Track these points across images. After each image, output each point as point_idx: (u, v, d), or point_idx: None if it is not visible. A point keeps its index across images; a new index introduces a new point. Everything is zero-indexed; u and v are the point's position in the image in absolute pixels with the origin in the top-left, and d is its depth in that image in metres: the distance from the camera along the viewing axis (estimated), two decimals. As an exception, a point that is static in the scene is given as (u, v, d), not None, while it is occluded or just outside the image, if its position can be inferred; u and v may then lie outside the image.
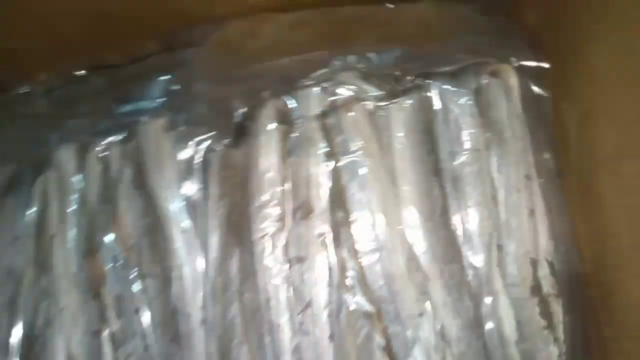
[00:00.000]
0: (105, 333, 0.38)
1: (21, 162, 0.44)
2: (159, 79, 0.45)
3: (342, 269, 0.35)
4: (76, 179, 0.41)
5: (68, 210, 0.41)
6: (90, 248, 0.40)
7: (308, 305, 0.35)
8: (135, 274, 0.39)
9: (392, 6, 0.46)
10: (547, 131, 0.36)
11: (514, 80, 0.36)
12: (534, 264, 0.35)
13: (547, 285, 0.34)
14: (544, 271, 0.35)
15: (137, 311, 0.38)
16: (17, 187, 0.43)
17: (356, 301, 0.35)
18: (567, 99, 0.36)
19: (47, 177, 0.42)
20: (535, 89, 0.36)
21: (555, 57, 0.37)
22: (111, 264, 0.39)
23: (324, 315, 0.35)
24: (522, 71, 0.36)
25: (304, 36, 0.46)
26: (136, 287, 0.38)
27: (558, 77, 0.36)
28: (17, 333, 0.39)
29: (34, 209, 0.42)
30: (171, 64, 0.47)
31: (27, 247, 0.41)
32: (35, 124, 0.46)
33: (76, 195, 0.41)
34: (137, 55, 0.52)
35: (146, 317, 0.38)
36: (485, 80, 0.36)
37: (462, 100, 0.36)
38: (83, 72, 0.53)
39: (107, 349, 0.38)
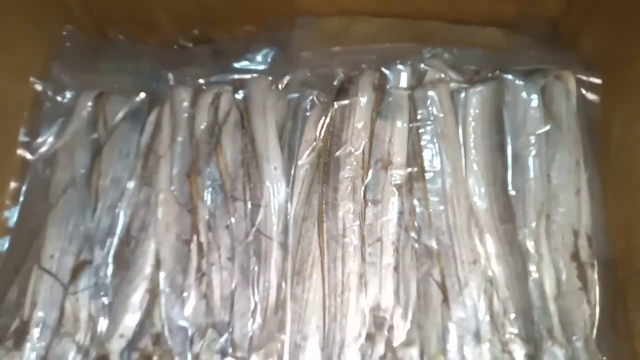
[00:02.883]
0: (194, 243, 0.41)
1: (138, 95, 0.48)
2: (263, 49, 0.50)
3: (412, 213, 0.38)
4: (188, 114, 0.45)
5: (178, 139, 0.44)
6: (192, 171, 0.43)
7: (378, 239, 0.38)
8: (229, 197, 0.41)
9: (464, 27, 0.51)
10: (594, 131, 0.40)
11: (572, 84, 0.40)
12: (576, 234, 0.38)
13: (585, 254, 0.37)
14: (582, 242, 0.38)
15: (227, 227, 0.40)
16: (132, 114, 0.47)
17: (421, 241, 0.37)
18: (613, 106, 0.40)
19: (162, 108, 0.46)
20: (588, 95, 0.41)
21: (605, 73, 0.41)
22: (209, 187, 0.42)
23: (391, 249, 0.37)
24: (578, 82, 0.41)
25: (391, 37, 0.51)
26: (228, 208, 0.41)
27: (607, 88, 0.41)
28: (115, 231, 0.42)
29: (147, 133, 0.45)
30: (273, 40, 0.52)
31: (135, 163, 0.44)
32: (156, 66, 0.50)
33: (186, 127, 0.44)
34: (237, 35, 0.57)
35: (233, 234, 0.40)
36: (549, 81, 0.40)
37: (530, 94, 0.40)
38: (188, 43, 0.58)
39: (193, 256, 0.40)
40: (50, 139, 0.46)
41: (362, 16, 0.53)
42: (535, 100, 0.40)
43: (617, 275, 0.38)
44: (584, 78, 0.41)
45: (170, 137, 0.45)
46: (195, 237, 0.41)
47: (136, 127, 0.46)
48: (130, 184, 0.44)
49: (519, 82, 0.40)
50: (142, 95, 0.47)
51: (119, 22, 0.56)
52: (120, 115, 0.47)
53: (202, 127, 0.45)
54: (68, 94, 0.48)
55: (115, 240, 0.42)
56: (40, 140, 0.46)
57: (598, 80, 0.41)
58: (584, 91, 0.41)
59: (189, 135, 0.45)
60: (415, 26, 0.52)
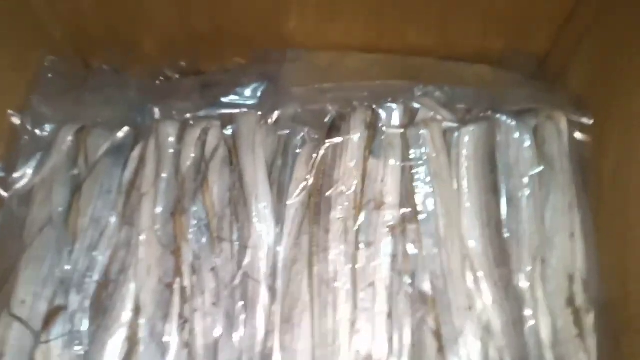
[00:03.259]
0: (177, 286, 0.39)
1: (122, 129, 0.46)
2: (252, 83, 0.49)
3: (405, 256, 0.37)
4: (174, 150, 0.43)
5: (162, 175, 0.42)
6: (177, 210, 0.41)
7: (371, 284, 0.36)
8: (215, 237, 0.40)
9: (454, 63, 0.51)
10: (586, 172, 0.40)
11: (564, 124, 0.40)
12: (571, 279, 0.37)
13: (580, 300, 0.37)
14: (578, 287, 0.37)
15: (212, 269, 0.38)
16: (115, 149, 0.45)
17: (415, 287, 0.36)
18: (604, 146, 0.40)
19: (147, 143, 0.44)
20: (579, 135, 0.40)
21: (594, 113, 0.41)
22: (194, 227, 0.40)
23: (385, 295, 0.36)
24: (569, 122, 0.41)
25: (381, 72, 0.51)
26: (214, 249, 0.39)
27: (597, 128, 0.41)
28: (93, 274, 0.39)
29: (130, 169, 0.43)
30: (263, 74, 0.51)
31: (117, 201, 0.42)
32: (139, 100, 0.48)
33: (171, 163, 0.43)
34: (226, 67, 0.56)
35: (218, 277, 0.38)
36: (541, 121, 0.40)
37: (522, 135, 0.39)
38: (175, 74, 0.56)
39: (176, 301, 0.38)
40: (27, 175, 0.43)
41: (353, 51, 0.53)
42: (527, 141, 0.40)
43: (613, 319, 0.37)
44: (575, 118, 0.41)
45: (154, 174, 0.43)
46: (178, 281, 0.39)
47: (119, 162, 0.44)
48: (111, 223, 0.41)
49: (511, 122, 0.40)
50: (126, 129, 0.46)
51: (103, 51, 0.55)
52: (103, 150, 0.45)
53: (189, 163, 0.43)
54: (48, 128, 0.46)
55: (93, 284, 0.39)
56: (16, 175, 0.43)
57: (589, 121, 0.41)
58: (575, 131, 0.41)
59: (175, 172, 0.43)
60: (406, 62, 0.52)
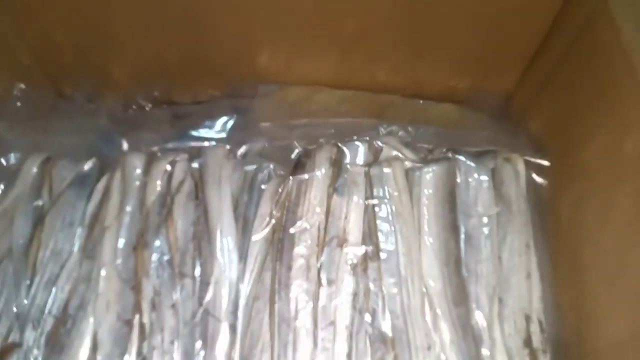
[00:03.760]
0: (136, 323, 0.38)
1: (88, 161, 0.46)
2: (223, 117, 0.49)
3: (366, 295, 0.37)
4: (140, 182, 0.43)
5: (126, 208, 0.42)
6: (139, 244, 0.41)
7: (331, 323, 0.36)
8: (177, 273, 0.39)
9: (421, 101, 0.53)
10: (543, 213, 0.41)
11: (521, 166, 0.41)
12: (528, 319, 0.38)
13: (537, 340, 0.37)
14: (534, 327, 0.37)
15: (173, 306, 0.38)
16: (80, 181, 0.44)
17: (375, 326, 0.36)
18: (561, 188, 0.41)
19: (112, 176, 0.44)
20: (536, 178, 0.42)
21: (553, 155, 0.42)
22: (156, 262, 0.40)
23: (345, 334, 0.36)
24: (526, 163, 0.42)
25: (349, 109, 0.52)
26: (175, 285, 0.39)
27: (555, 170, 0.42)
28: (51, 309, 0.38)
29: (93, 202, 0.43)
30: (234, 107, 0.51)
31: (78, 234, 0.42)
32: (107, 130, 0.48)
33: (136, 196, 0.43)
34: (199, 98, 0.57)
35: (179, 314, 0.38)
36: (499, 163, 0.41)
37: (481, 176, 0.41)
38: (147, 103, 0.57)
39: (134, 338, 0.38)
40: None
41: (323, 87, 0.54)
42: (486, 182, 0.41)
43: (569, 357, 0.38)
44: (533, 160, 0.43)
45: (118, 207, 0.43)
46: (137, 317, 0.38)
47: (83, 194, 0.44)
48: (72, 257, 0.41)
49: (470, 163, 0.41)
50: (92, 160, 0.45)
51: (75, 79, 0.54)
52: (67, 181, 0.44)
53: (154, 196, 0.43)
54: (13, 157, 0.46)
55: (51, 319, 0.38)
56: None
57: (546, 163, 0.42)
58: (533, 173, 0.42)
59: (139, 205, 0.43)
60: (374, 99, 0.53)
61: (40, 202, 0.43)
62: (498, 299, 0.38)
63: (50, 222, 0.42)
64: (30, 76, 0.53)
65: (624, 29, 0.35)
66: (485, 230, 0.39)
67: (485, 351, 0.36)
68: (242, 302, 0.38)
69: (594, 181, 0.38)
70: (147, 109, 0.56)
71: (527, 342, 0.37)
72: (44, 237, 0.41)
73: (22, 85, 0.51)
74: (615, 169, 0.36)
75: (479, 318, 0.37)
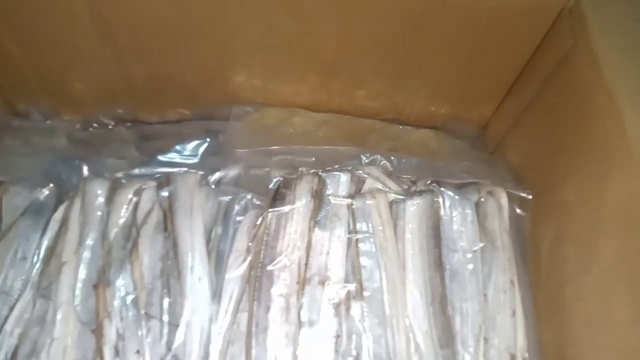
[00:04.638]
0: (97, 371, 0.34)
1: (44, 187, 0.42)
2: (194, 140, 0.46)
3: (349, 338, 0.35)
4: (102, 212, 0.39)
5: (87, 242, 0.38)
6: (100, 282, 0.37)
7: (313, 369, 0.34)
8: (143, 314, 0.36)
9: (400, 127, 0.52)
10: (524, 247, 0.40)
11: (504, 200, 0.41)
12: (513, 358, 0.36)
13: (523, 380, 0.36)
14: (520, 366, 0.36)
15: (137, 352, 0.35)
16: (35, 209, 0.40)
17: (359, 371, 0.34)
18: (542, 224, 0.41)
19: (71, 204, 0.40)
20: (518, 210, 0.41)
21: (533, 188, 0.42)
22: (119, 301, 0.36)
23: (327, 381, 0.34)
24: (509, 196, 0.41)
25: (328, 133, 0.50)
26: (140, 328, 0.36)
27: (536, 204, 0.42)
28: (-2, 358, 0.34)
29: (50, 233, 0.39)
30: (206, 129, 0.48)
31: (32, 270, 0.38)
32: (66, 153, 0.44)
33: (98, 228, 0.39)
34: (167, 118, 0.54)
35: (144, 360, 0.35)
36: (483, 196, 0.40)
37: (465, 209, 0.40)
38: (111, 122, 0.53)
39: (95, 388, 0.34)
40: None
41: (301, 109, 0.52)
42: (470, 215, 0.40)
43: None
44: (515, 192, 0.42)
45: (77, 240, 0.39)
46: (98, 365, 0.35)
47: (38, 225, 0.40)
48: (24, 296, 0.37)
49: (454, 196, 0.40)
50: (49, 187, 0.41)
51: (31, 94, 0.50)
52: (20, 210, 0.40)
53: (117, 228, 0.39)
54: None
55: (-5, 371, 0.34)
56: None
57: (528, 196, 0.42)
58: (515, 206, 0.42)
59: (101, 238, 0.39)
60: (354, 123, 0.52)
61: (-13, 234, 0.39)
62: (484, 339, 0.37)
63: (0, 256, 0.38)
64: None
65: (606, 68, 0.35)
66: (470, 266, 0.38)
67: (472, 394, 0.35)
68: (214, 346, 0.35)
69: (575, 220, 0.37)
70: (109, 127, 0.53)
71: (513, 383, 0.36)
72: (-9, 273, 0.37)
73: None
74: (597, 211, 0.35)
75: (465, 358, 0.36)
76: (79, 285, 0.37)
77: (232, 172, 0.42)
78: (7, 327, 0.35)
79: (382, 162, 0.42)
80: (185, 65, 0.48)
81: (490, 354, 0.36)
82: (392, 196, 0.40)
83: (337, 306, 0.36)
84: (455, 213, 0.40)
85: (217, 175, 0.42)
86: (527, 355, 0.37)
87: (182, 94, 0.51)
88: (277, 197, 0.39)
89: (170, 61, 0.48)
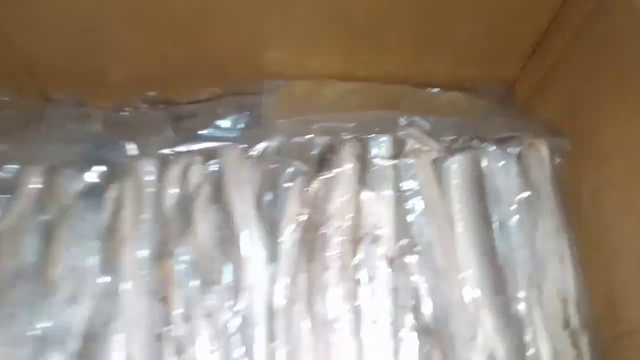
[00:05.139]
0: (168, 337, 0.36)
1: (93, 169, 0.43)
2: (230, 115, 0.47)
3: (406, 290, 0.37)
4: (154, 189, 0.41)
5: (143, 217, 0.40)
6: (161, 254, 0.39)
7: (374, 322, 0.36)
8: (205, 281, 0.38)
9: (430, 90, 0.52)
10: (565, 196, 0.42)
11: (545, 151, 0.42)
12: (564, 302, 0.38)
13: (575, 321, 0.38)
14: (571, 309, 0.38)
15: (206, 316, 0.36)
16: (88, 191, 0.42)
17: (419, 320, 0.36)
18: (580, 173, 0.42)
19: (123, 183, 0.41)
20: (557, 161, 0.42)
21: (570, 140, 0.43)
22: (182, 270, 0.38)
23: (389, 332, 0.35)
24: (547, 147, 0.42)
25: (359, 102, 0.51)
26: (205, 294, 0.37)
27: (574, 155, 0.42)
28: (76, 329, 0.36)
29: (107, 211, 0.40)
30: (240, 105, 0.49)
31: (93, 247, 0.39)
32: (107, 135, 0.45)
33: (152, 204, 0.40)
34: (199, 97, 0.54)
35: (212, 324, 0.36)
36: (524, 148, 0.41)
37: (508, 162, 0.40)
38: (143, 105, 0.54)
39: (168, 353, 0.36)
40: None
41: (330, 80, 0.52)
42: (513, 168, 0.41)
43: (603, 339, 0.39)
44: (553, 144, 0.43)
45: (134, 216, 0.40)
46: (169, 331, 0.36)
47: (93, 205, 0.41)
48: (90, 272, 0.38)
49: (496, 151, 0.41)
50: (99, 168, 0.43)
51: (64, 81, 0.51)
52: (75, 191, 0.41)
53: (171, 202, 0.41)
54: (8, 169, 0.42)
55: (76, 340, 0.36)
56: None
57: (566, 147, 0.43)
58: (554, 157, 0.42)
59: (156, 213, 0.40)
60: (383, 90, 0.53)
61: (46, 216, 0.40)
62: (536, 284, 0.38)
63: (60, 237, 0.39)
64: (16, 80, 0.49)
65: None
66: (517, 216, 0.39)
67: (527, 337, 0.37)
68: (278, 307, 0.37)
69: (615, 167, 0.38)
70: (143, 109, 0.54)
71: (566, 324, 0.37)
72: (57, 253, 0.39)
73: (8, 90, 0.48)
74: (635, 157, 0.36)
75: (519, 305, 0.37)
76: (141, 258, 0.39)
77: (274, 142, 0.44)
78: (80, 301, 0.37)
79: (421, 123, 0.43)
80: (218, 42, 0.48)
81: (543, 298, 0.38)
82: (434, 155, 0.41)
83: (391, 262, 0.38)
84: (498, 167, 0.41)
85: (260, 146, 0.43)
86: (577, 299, 0.38)
87: (214, 72, 0.52)
88: (323, 163, 0.41)
89: (203, 39, 0.48)
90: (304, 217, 0.39)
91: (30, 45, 0.47)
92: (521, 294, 0.37)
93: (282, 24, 0.46)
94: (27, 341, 0.35)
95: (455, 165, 0.40)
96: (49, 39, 0.47)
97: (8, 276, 0.37)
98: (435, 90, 0.52)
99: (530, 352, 0.36)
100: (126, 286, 0.37)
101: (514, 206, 0.40)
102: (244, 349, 0.36)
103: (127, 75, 0.51)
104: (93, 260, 0.39)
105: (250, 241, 0.39)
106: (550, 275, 0.38)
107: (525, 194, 0.40)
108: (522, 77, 0.52)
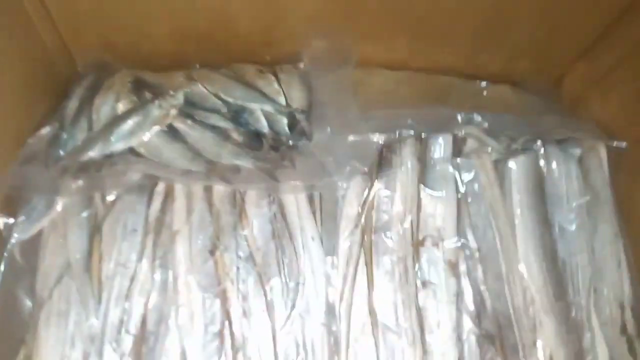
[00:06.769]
0: (226, 333, 0.36)
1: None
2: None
3: (468, 296, 0.36)
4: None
5: (194, 210, 0.39)
6: (216, 247, 0.38)
7: (437, 326, 0.36)
8: (262, 275, 0.37)
9: (479, 83, 0.52)
10: (621, 201, 0.41)
11: (604, 154, 0.41)
12: (621, 307, 0.38)
13: (631, 327, 0.38)
14: (628, 314, 0.38)
15: (264, 311, 0.36)
16: (137, 183, 0.40)
17: (482, 327, 0.36)
18: (635, 176, 0.41)
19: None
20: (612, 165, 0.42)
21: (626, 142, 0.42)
22: (238, 265, 0.37)
23: (453, 338, 0.35)
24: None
25: (407, 92, 0.50)
26: (262, 288, 0.37)
27: (628, 157, 0.42)
28: (128, 327, 0.35)
29: (156, 204, 0.39)
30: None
31: (144, 241, 0.38)
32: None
33: (203, 196, 0.39)
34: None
35: (271, 319, 0.36)
36: (585, 151, 0.41)
37: (568, 165, 0.40)
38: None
39: (227, 350, 0.35)
40: (33, 218, 0.37)
41: (376, 68, 0.51)
42: (574, 171, 0.40)
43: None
44: (611, 146, 0.43)
45: (185, 209, 0.39)
46: (227, 327, 0.36)
47: (141, 198, 0.40)
48: (141, 267, 0.37)
49: (557, 152, 0.40)
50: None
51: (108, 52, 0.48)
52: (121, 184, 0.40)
53: (222, 195, 0.40)
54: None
55: (130, 338, 0.35)
56: (19, 219, 0.37)
57: (623, 149, 0.42)
58: (610, 160, 0.42)
59: (208, 206, 0.39)
60: (432, 80, 0.51)
61: (92, 210, 0.39)
62: (593, 290, 0.38)
63: (109, 231, 0.38)
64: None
65: None
66: (577, 221, 0.39)
67: (586, 342, 0.37)
68: (338, 307, 0.37)
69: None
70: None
71: (623, 329, 0.38)
72: (105, 248, 0.37)
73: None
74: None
75: (577, 310, 0.37)
76: (195, 252, 0.38)
77: (325, 137, 0.42)
78: (131, 297, 0.36)
79: (480, 119, 0.42)
80: (258, 23, 0.46)
81: (601, 304, 0.38)
82: (494, 155, 0.40)
83: (452, 266, 0.37)
84: (559, 169, 0.40)
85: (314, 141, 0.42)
86: (632, 303, 0.39)
87: (258, 53, 0.50)
88: (383, 162, 0.40)
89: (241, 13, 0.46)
90: (364, 219, 0.38)
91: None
92: (580, 299, 0.38)
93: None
94: (80, 339, 0.35)
95: (517, 166, 0.40)
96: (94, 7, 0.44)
97: (55, 274, 0.36)
98: (484, 83, 0.52)
99: (588, 358, 0.37)
100: (180, 281, 0.37)
101: (574, 210, 0.39)
102: (302, 346, 0.35)
103: (168, 48, 0.48)
104: (143, 255, 0.38)
105: (306, 235, 0.38)
106: (607, 280, 0.38)
107: (586, 198, 0.40)
108: (572, 73, 0.51)
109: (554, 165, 0.40)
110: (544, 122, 0.43)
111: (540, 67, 0.52)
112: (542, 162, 0.40)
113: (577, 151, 0.41)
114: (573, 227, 0.39)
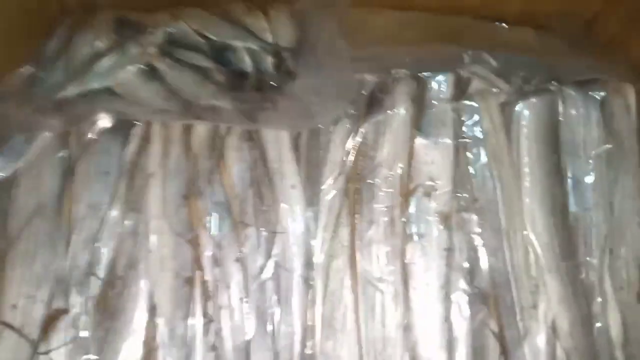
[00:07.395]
0: (197, 281, 0.34)
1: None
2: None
3: (462, 251, 0.33)
4: (183, 124, 0.37)
5: (171, 154, 0.37)
6: (191, 192, 0.36)
7: (425, 283, 0.32)
8: (239, 223, 0.35)
9: (497, 24, 0.46)
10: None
11: (632, 98, 0.36)
12: (641, 271, 0.34)
13: (651, 293, 0.33)
14: (648, 279, 0.34)
15: (237, 260, 0.34)
16: (114, 124, 0.38)
17: (474, 285, 0.32)
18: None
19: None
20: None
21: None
22: (213, 211, 0.35)
23: (440, 296, 0.32)
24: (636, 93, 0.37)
25: (415, 35, 0.46)
26: (238, 236, 0.34)
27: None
28: (96, 270, 0.34)
29: (131, 147, 0.37)
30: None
31: (117, 184, 0.36)
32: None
33: (181, 139, 0.37)
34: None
35: (245, 269, 0.34)
36: (609, 94, 0.36)
37: (588, 109, 0.35)
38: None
39: (197, 297, 0.33)
40: (10, 157, 0.37)
41: (381, 9, 0.47)
42: (594, 116, 0.35)
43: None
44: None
45: (161, 152, 0.37)
46: (198, 274, 0.34)
47: (117, 139, 0.38)
48: (113, 211, 0.36)
49: (576, 95, 0.35)
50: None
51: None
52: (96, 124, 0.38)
53: (201, 139, 0.37)
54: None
55: (97, 282, 0.34)
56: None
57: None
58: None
59: (185, 150, 0.37)
60: (442, 22, 0.47)
61: (67, 152, 0.38)
62: (609, 250, 0.34)
63: (82, 173, 0.36)
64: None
65: None
66: (594, 172, 0.35)
67: (596, 307, 0.33)
68: (317, 258, 0.34)
69: None
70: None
71: (641, 296, 0.34)
72: (77, 190, 0.36)
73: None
74: None
75: (588, 272, 0.33)
76: (169, 196, 0.36)
77: (312, 77, 0.39)
78: (101, 240, 0.35)
79: (488, 59, 0.37)
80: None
81: (617, 265, 0.34)
82: (502, 97, 0.36)
83: (445, 218, 0.34)
84: (577, 114, 0.35)
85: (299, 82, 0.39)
86: (656, 267, 0.34)
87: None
88: (373, 103, 0.36)
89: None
90: (349, 165, 0.35)
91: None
92: (592, 260, 0.33)
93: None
94: (47, 281, 0.34)
95: (528, 109, 0.35)
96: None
97: (26, 214, 0.35)
98: (503, 25, 0.46)
99: (597, 324, 0.33)
100: (151, 226, 0.35)
101: (592, 160, 0.35)
102: (276, 297, 0.33)
103: None
104: (115, 199, 0.36)
105: (286, 182, 0.35)
106: (626, 240, 0.34)
107: (606, 147, 0.35)
108: (606, 12, 0.46)
109: (571, 109, 0.35)
110: (565, 64, 0.38)
111: (570, 8, 0.46)
112: (558, 106, 0.35)
113: (600, 94, 0.36)
114: (589, 179, 0.34)
